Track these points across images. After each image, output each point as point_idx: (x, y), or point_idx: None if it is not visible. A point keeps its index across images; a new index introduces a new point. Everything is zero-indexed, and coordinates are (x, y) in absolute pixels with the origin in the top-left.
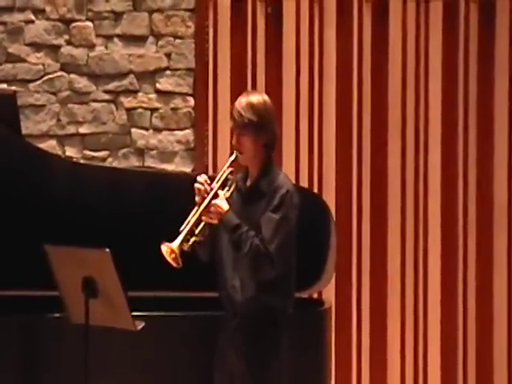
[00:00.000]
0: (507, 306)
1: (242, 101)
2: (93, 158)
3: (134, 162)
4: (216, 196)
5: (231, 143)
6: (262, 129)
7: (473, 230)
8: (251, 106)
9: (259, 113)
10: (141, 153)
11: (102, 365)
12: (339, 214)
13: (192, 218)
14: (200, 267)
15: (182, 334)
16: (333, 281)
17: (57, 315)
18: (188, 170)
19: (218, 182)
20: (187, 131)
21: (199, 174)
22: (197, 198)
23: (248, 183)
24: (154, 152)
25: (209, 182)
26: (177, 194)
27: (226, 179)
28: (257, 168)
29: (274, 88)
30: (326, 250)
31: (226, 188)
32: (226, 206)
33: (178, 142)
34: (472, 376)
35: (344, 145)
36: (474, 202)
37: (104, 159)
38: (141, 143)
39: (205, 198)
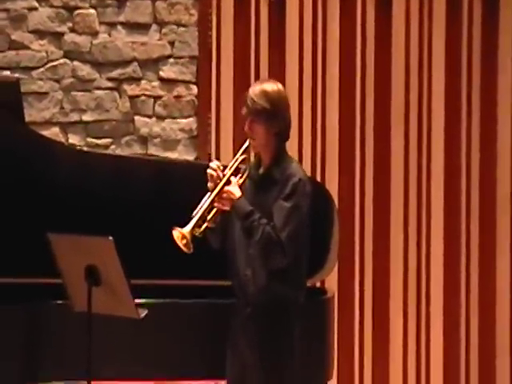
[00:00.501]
0: (509, 292)
1: (256, 88)
2: (96, 145)
3: (137, 150)
4: (228, 183)
5: (234, 131)
6: (274, 117)
7: (475, 215)
8: (265, 94)
9: (272, 101)
10: (144, 141)
11: (106, 352)
12: (342, 201)
13: (204, 204)
14: (204, 255)
15: (187, 321)
16: (335, 269)
17: (60, 302)
18: (191, 158)
19: (230, 168)
20: (190, 119)
21: (210, 160)
22: (209, 184)
23: (261, 171)
24: (157, 140)
25: (221, 168)
26: (181, 181)
27: (239, 167)
28: (269, 156)
29: (277, 76)
30: (328, 238)
31: (239, 175)
32: (238, 193)
33: (181, 130)
34: (474, 363)
35: (347, 131)
36: (477, 186)
37: (107, 147)
38: (144, 131)
39: (217, 184)
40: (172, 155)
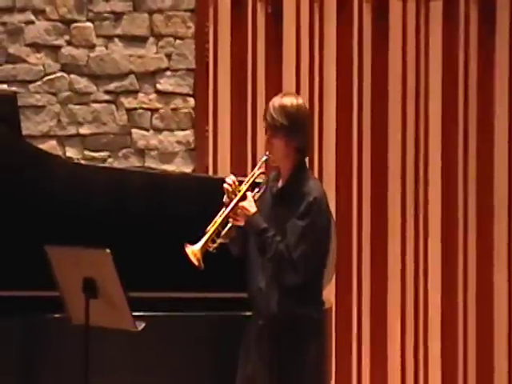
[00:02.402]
0: (507, 304)
1: (275, 102)
2: (93, 158)
3: (134, 163)
4: (244, 198)
5: (231, 143)
6: (293, 133)
7: (473, 223)
8: (283, 109)
9: (291, 117)
10: (141, 153)
11: (104, 366)
12: (339, 213)
13: (218, 219)
14: (205, 268)
15: (184, 334)
16: (333, 282)
17: (57, 316)
18: (188, 170)
19: (246, 183)
20: (187, 132)
21: (232, 173)
22: (225, 199)
23: (279, 185)
24: (154, 152)
25: (237, 183)
26: (178, 194)
27: (255, 181)
28: (288, 171)
29: (274, 88)
30: None
31: (256, 190)
32: (253, 209)
33: (179, 142)
34: (472, 374)
35: (344, 143)
36: (474, 193)
37: (104, 160)
38: (141, 144)
39: (232, 199)
40: (169, 168)
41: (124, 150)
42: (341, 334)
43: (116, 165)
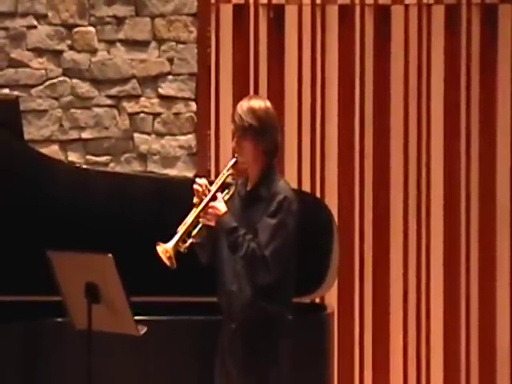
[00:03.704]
0: (510, 313)
1: (244, 105)
2: (95, 163)
3: (136, 167)
4: (214, 198)
5: (233, 147)
6: (261, 134)
7: (475, 228)
8: (252, 111)
9: (260, 118)
10: (143, 158)
11: (105, 370)
12: (342, 217)
13: (189, 219)
14: (204, 272)
15: (188, 337)
16: (335, 285)
17: (59, 320)
18: (190, 174)
19: (216, 184)
20: (189, 136)
21: (199, 176)
22: (195, 200)
23: (248, 188)
24: (156, 157)
25: (207, 183)
26: (180, 198)
27: (225, 182)
28: (257, 173)
29: (276, 92)
30: (328, 254)
31: (226, 191)
32: (223, 209)
33: (181, 146)
34: (475, 375)
35: (346, 149)
36: (477, 197)
37: (106, 164)
38: (143, 148)
39: (203, 199)
40: (171, 172)
41: (126, 155)
42: (343, 340)
43: (118, 169)
